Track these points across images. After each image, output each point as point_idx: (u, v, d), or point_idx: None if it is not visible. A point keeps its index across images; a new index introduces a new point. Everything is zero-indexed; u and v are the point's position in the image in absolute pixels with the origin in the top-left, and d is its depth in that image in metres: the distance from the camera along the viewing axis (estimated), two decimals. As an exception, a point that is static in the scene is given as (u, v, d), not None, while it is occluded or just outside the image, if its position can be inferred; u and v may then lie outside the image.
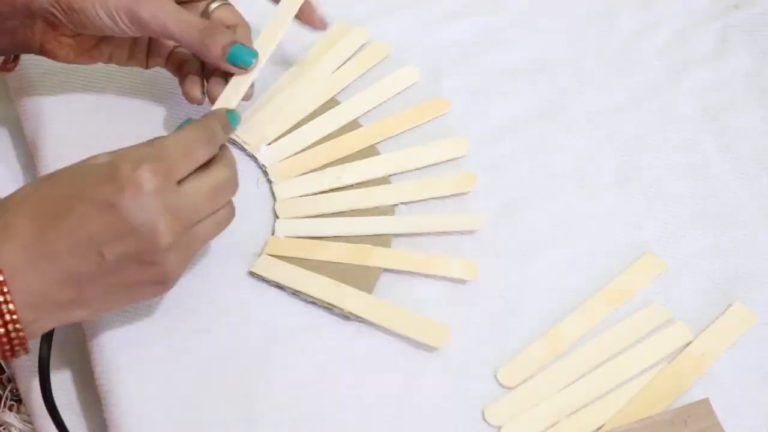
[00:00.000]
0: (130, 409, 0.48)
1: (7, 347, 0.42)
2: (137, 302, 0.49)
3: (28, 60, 0.58)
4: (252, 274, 0.53)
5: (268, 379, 0.50)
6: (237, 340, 0.51)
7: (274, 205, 0.56)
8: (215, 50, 0.52)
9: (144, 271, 0.44)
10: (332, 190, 0.57)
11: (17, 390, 0.53)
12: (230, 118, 0.51)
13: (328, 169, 0.58)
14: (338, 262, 0.53)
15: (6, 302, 0.41)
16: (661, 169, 0.60)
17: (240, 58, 0.52)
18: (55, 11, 0.50)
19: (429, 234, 0.55)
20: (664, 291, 0.54)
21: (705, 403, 0.49)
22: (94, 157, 0.45)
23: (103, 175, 0.43)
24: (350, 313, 0.51)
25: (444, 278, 0.54)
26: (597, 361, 0.51)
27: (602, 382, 0.51)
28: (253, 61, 0.52)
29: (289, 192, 0.56)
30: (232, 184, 0.48)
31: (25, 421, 0.52)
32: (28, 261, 0.41)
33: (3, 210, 0.43)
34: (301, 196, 0.56)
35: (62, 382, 0.53)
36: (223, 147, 0.49)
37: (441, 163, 0.59)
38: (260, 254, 0.54)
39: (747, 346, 0.53)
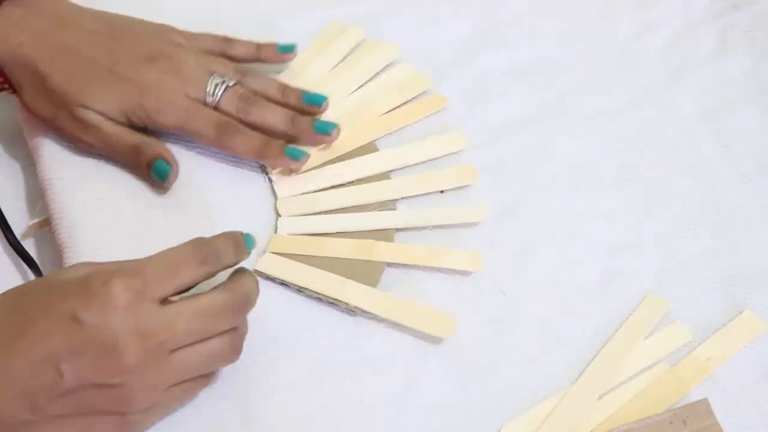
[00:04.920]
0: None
1: None
2: None
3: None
4: (256, 272, 0.53)
5: (269, 378, 0.50)
6: (238, 339, 0.51)
7: (275, 203, 0.56)
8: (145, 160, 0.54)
9: (102, 396, 0.40)
10: (333, 187, 0.57)
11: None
12: (246, 240, 0.48)
13: (328, 166, 0.58)
14: (342, 258, 0.53)
15: None
16: (661, 169, 0.60)
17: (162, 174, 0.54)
18: None
19: (431, 230, 0.55)
20: (663, 291, 0.54)
21: (704, 404, 0.49)
22: (75, 267, 0.44)
23: (74, 288, 0.40)
24: (356, 307, 0.52)
25: (447, 274, 0.54)
26: (596, 361, 0.51)
27: (601, 381, 0.50)
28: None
29: (290, 190, 0.56)
30: (228, 311, 0.44)
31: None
32: None
33: None
34: (302, 193, 0.56)
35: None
36: (238, 272, 0.46)
37: (440, 158, 0.59)
38: (264, 252, 0.54)
39: (747, 345, 0.52)
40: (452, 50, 0.65)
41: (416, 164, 0.59)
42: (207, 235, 0.54)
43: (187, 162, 0.57)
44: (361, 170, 0.58)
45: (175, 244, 0.53)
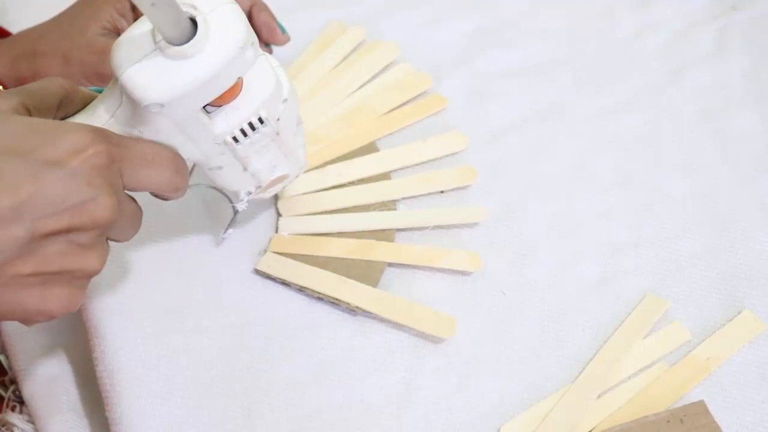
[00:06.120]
0: (132, 409, 0.48)
1: None
2: (36, 316, 0.37)
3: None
4: (257, 271, 0.53)
5: (270, 378, 0.50)
6: (239, 338, 0.51)
7: (276, 203, 0.56)
8: None
9: (68, 258, 0.36)
10: (334, 188, 0.57)
11: (19, 391, 0.53)
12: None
13: (328, 166, 0.58)
14: (343, 258, 0.54)
15: None
16: (661, 169, 0.60)
17: None
18: None
19: (431, 230, 0.56)
20: (662, 291, 0.54)
21: (701, 404, 0.49)
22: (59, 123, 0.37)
23: (45, 132, 0.35)
24: (356, 307, 0.52)
25: (447, 274, 0.54)
26: (595, 360, 0.52)
27: (600, 380, 0.51)
28: None
29: (291, 190, 0.57)
30: (139, 225, 0.41)
31: (27, 421, 0.53)
32: None
33: None
34: (303, 193, 0.56)
35: (64, 382, 0.53)
36: None
37: (441, 158, 0.59)
38: (265, 252, 0.54)
39: (745, 345, 0.53)
40: (452, 50, 0.65)
41: (416, 164, 0.59)
42: (207, 235, 0.54)
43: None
44: (361, 170, 0.58)
45: (174, 244, 0.53)
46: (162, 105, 0.37)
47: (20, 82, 0.52)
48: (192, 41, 0.36)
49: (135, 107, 0.38)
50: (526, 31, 0.66)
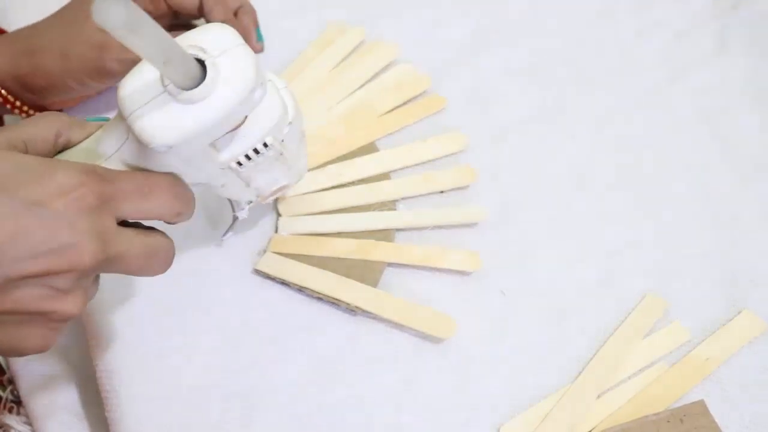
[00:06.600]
0: (132, 409, 0.48)
1: None
2: (8, 353, 0.37)
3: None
4: (257, 271, 0.53)
5: (270, 378, 0.50)
6: (239, 338, 0.51)
7: (276, 203, 0.56)
8: None
9: (44, 301, 0.35)
10: (334, 188, 0.57)
11: (17, 391, 0.53)
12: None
13: (328, 166, 0.58)
14: (343, 258, 0.54)
15: None
16: (661, 169, 0.60)
17: None
18: (18, 93, 0.52)
19: (431, 230, 0.56)
20: (662, 291, 0.54)
21: (701, 404, 0.49)
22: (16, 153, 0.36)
23: (32, 170, 0.35)
24: (356, 307, 0.52)
25: (447, 274, 0.54)
26: (595, 360, 0.52)
27: (600, 380, 0.51)
28: None
29: (291, 190, 0.57)
30: (169, 257, 0.40)
31: (24, 422, 0.52)
32: None
33: None
34: (303, 193, 0.57)
35: (64, 382, 0.53)
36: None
37: (441, 158, 0.59)
38: (264, 252, 0.54)
39: (745, 345, 0.53)
40: (452, 50, 0.65)
41: (416, 164, 0.59)
42: (206, 236, 0.54)
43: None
44: (361, 170, 0.58)
45: (174, 246, 0.53)
46: (170, 147, 0.36)
47: (20, 79, 0.52)
48: (201, 86, 0.35)
49: (142, 145, 0.37)
50: (526, 31, 0.66)
